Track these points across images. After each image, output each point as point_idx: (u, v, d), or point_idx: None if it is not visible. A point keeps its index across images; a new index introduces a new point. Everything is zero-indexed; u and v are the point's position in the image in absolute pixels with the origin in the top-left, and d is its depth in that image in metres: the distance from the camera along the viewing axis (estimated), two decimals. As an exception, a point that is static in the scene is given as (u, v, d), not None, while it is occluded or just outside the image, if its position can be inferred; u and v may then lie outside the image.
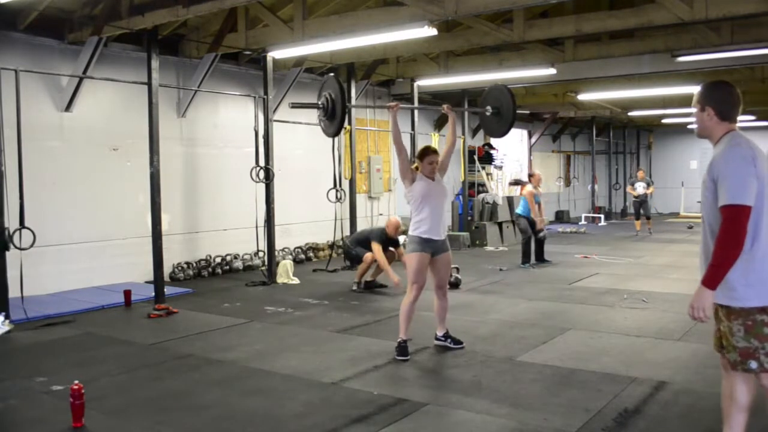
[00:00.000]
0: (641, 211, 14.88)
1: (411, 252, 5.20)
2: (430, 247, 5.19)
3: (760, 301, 2.77)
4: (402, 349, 5.13)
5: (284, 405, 4.21)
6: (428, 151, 5.40)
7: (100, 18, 7.59)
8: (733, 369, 2.90)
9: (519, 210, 10.49)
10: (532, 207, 10.26)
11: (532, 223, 10.31)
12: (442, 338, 5.43)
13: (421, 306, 5.58)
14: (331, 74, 5.02)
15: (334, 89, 4.84)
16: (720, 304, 2.88)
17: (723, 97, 2.91)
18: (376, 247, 7.96)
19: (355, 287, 8.22)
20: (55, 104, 8.09)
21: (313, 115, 11.41)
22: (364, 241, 8.39)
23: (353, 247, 8.57)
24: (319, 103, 5.01)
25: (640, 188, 14.76)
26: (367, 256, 8.09)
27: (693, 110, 2.98)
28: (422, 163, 5.33)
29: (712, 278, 2.74)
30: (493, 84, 5.81)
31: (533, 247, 10.34)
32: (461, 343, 5.39)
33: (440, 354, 5.27)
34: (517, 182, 10.93)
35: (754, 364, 2.81)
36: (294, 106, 5.10)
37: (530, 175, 10.76)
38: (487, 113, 5.60)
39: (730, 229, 2.69)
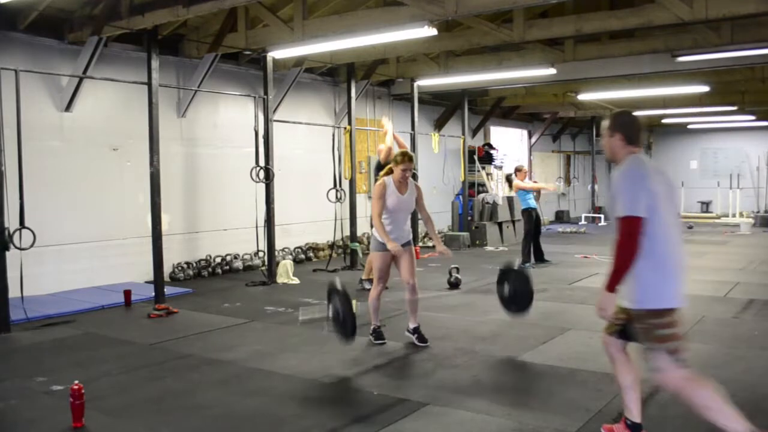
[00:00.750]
0: None
1: (374, 251, 5.54)
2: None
3: (652, 305, 3.11)
4: (377, 334, 5.58)
5: (284, 405, 4.21)
6: (405, 158, 5.38)
7: (100, 18, 7.58)
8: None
9: (522, 205, 10.45)
10: (529, 187, 10.21)
11: (537, 219, 10.32)
12: (411, 332, 5.58)
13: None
14: (336, 284, 4.97)
15: (342, 302, 4.88)
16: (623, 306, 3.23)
17: (629, 123, 3.33)
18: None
19: (366, 285, 7.90)
20: (55, 104, 8.09)
21: (313, 115, 11.49)
22: None
23: None
24: (329, 315, 5.03)
25: None
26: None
27: (603, 136, 3.40)
28: (397, 167, 5.37)
29: (611, 282, 3.11)
30: (508, 264, 5.77)
31: (533, 247, 10.35)
32: (426, 341, 5.48)
33: (440, 354, 5.27)
34: (507, 178, 10.89)
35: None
36: (304, 322, 5.18)
37: (517, 170, 10.66)
38: (504, 294, 5.66)
39: (624, 238, 3.05)
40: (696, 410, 3.16)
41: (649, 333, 3.13)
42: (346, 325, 4.80)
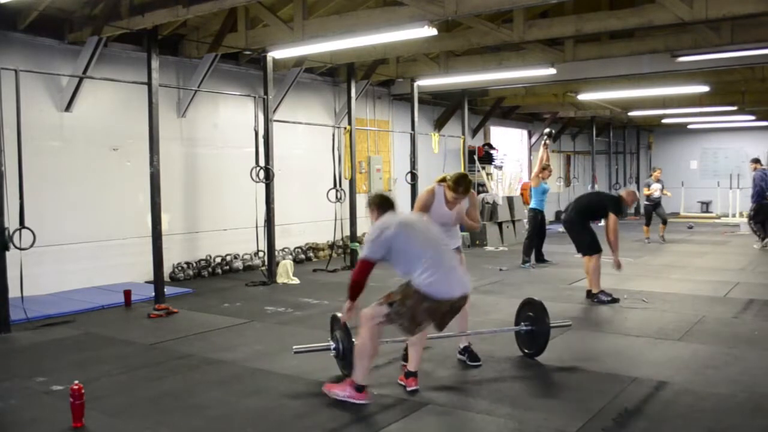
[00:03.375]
0: (653, 215, 13.47)
1: None
2: None
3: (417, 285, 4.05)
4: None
5: (284, 405, 4.21)
6: (460, 188, 4.77)
7: (100, 18, 7.58)
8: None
9: (532, 204, 10.39)
10: (538, 169, 10.15)
11: (542, 221, 10.33)
12: (461, 352, 5.11)
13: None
14: (338, 316, 4.80)
15: (341, 331, 4.69)
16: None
17: (377, 202, 4.41)
18: (612, 219, 7.22)
19: (605, 298, 7.25)
20: (55, 104, 8.09)
21: (313, 115, 11.49)
22: (592, 210, 7.49)
23: (577, 221, 7.54)
24: (331, 344, 4.80)
25: (656, 190, 13.50)
26: None
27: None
28: (450, 192, 4.81)
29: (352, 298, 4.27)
30: (528, 299, 5.36)
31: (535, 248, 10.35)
32: (479, 360, 4.99)
33: (440, 354, 5.26)
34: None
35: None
36: (298, 352, 4.92)
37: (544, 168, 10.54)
38: (522, 332, 5.29)
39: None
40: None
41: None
42: (347, 360, 4.66)
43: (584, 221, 7.57)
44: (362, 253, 4.19)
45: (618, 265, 7.40)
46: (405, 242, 4.10)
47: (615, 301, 7.24)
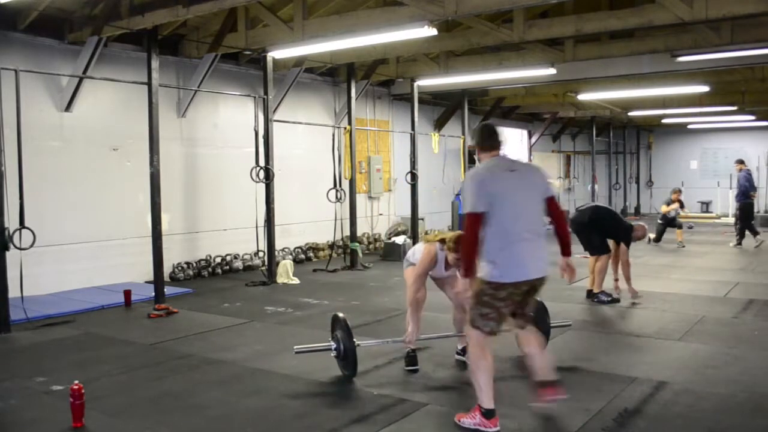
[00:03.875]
0: (666, 228, 13.18)
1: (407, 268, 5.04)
2: None
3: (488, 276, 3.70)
4: (410, 358, 4.92)
5: (284, 405, 4.21)
6: (459, 248, 4.50)
7: (100, 18, 7.58)
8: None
9: None
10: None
11: None
12: (460, 352, 5.08)
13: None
14: (339, 316, 4.75)
15: (342, 331, 4.65)
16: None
17: (479, 134, 3.93)
18: (624, 251, 7.37)
19: (606, 298, 7.28)
20: (55, 104, 8.09)
21: (313, 115, 11.48)
22: (605, 228, 7.41)
23: (588, 226, 7.43)
24: (331, 344, 4.77)
25: (673, 209, 13.25)
26: None
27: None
28: (451, 254, 4.65)
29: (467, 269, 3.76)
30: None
31: None
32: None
33: (440, 354, 5.26)
34: None
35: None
36: (299, 352, 4.87)
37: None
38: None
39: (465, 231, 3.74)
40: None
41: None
42: (347, 360, 4.66)
43: (595, 228, 7.51)
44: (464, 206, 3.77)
45: (634, 294, 7.40)
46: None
47: (615, 301, 7.25)
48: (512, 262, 3.68)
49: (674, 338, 5.70)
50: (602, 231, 7.44)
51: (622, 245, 7.36)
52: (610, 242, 7.43)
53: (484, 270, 3.71)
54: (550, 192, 3.90)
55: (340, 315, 4.75)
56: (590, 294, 7.44)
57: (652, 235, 12.91)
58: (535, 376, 3.97)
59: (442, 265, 4.84)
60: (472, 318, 3.81)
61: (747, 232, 12.88)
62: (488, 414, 3.71)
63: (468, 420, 3.76)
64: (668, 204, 13.42)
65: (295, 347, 4.85)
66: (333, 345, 4.70)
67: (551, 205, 3.89)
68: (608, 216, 7.62)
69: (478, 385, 3.76)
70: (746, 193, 12.90)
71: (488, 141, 3.89)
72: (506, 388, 4.46)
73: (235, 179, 9.69)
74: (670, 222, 13.31)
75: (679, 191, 13.80)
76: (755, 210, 19.43)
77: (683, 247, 12.61)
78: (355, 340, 4.60)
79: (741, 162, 13.66)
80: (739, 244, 12.75)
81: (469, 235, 3.70)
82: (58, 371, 4.94)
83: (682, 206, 13.59)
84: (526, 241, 3.71)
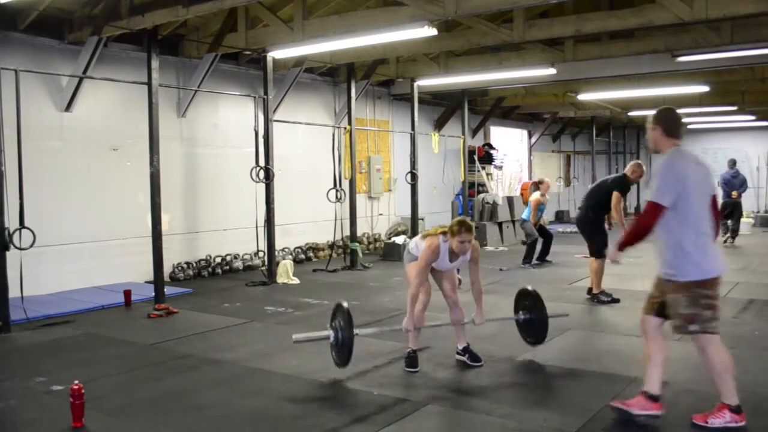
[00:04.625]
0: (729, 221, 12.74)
1: (407, 263, 5.07)
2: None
3: (696, 276, 3.60)
4: (410, 359, 4.93)
5: (284, 405, 4.21)
6: (462, 228, 4.62)
7: (100, 18, 7.58)
8: (676, 332, 3.84)
9: (525, 215, 10.44)
10: (533, 213, 10.22)
11: (541, 227, 10.36)
12: (460, 352, 5.08)
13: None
14: (342, 304, 4.76)
15: (343, 320, 4.66)
16: (665, 279, 3.76)
17: (669, 117, 3.80)
18: (615, 197, 7.23)
19: (605, 298, 7.31)
20: (55, 104, 8.09)
21: (313, 115, 11.48)
22: (600, 201, 7.37)
23: (590, 219, 7.46)
24: (330, 333, 4.78)
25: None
26: None
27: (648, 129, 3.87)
28: (453, 239, 4.66)
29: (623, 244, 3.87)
30: (523, 288, 5.45)
31: (539, 246, 10.34)
32: (480, 360, 4.98)
33: (440, 354, 5.26)
34: (536, 184, 10.65)
35: (694, 327, 3.67)
36: (298, 341, 4.88)
37: (540, 182, 10.60)
38: (520, 321, 5.38)
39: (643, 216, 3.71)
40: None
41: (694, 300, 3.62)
42: (343, 350, 4.67)
43: (597, 219, 7.49)
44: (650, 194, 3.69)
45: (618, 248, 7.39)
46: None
47: (615, 301, 7.25)
48: (713, 256, 3.67)
49: (674, 338, 5.67)
50: (605, 206, 7.41)
51: (613, 193, 7.28)
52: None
53: (687, 271, 3.61)
54: (714, 190, 3.91)
55: (344, 304, 4.74)
56: (590, 292, 7.45)
57: None
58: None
59: (446, 257, 4.84)
60: (698, 324, 3.64)
61: (735, 228, 13.08)
62: (654, 398, 3.82)
63: (716, 420, 3.69)
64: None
65: (294, 336, 4.87)
66: (331, 334, 4.71)
67: (713, 203, 3.86)
68: (596, 188, 7.65)
69: (723, 382, 3.69)
70: (727, 193, 13.26)
71: (677, 129, 3.77)
72: (507, 389, 4.47)
73: (235, 179, 9.69)
74: (735, 206, 12.72)
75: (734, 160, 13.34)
76: (756, 210, 19.53)
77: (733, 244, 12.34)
78: (354, 329, 4.60)
79: (730, 163, 14.29)
80: (732, 238, 12.89)
81: (648, 221, 3.65)
82: (58, 371, 4.94)
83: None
84: (709, 236, 3.71)
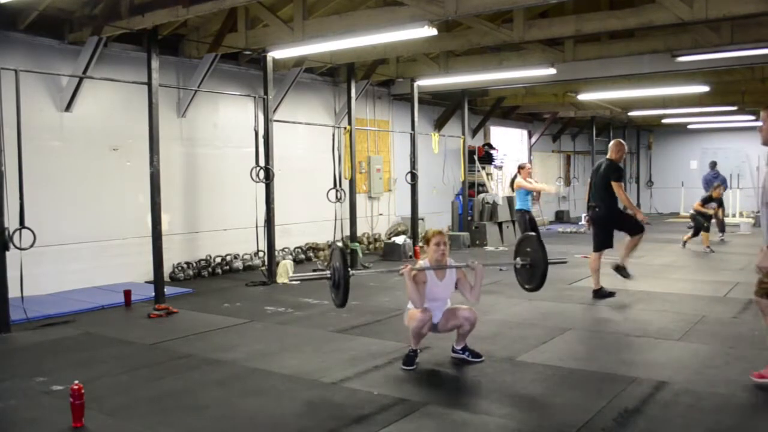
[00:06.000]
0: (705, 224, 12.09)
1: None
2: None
3: None
4: (408, 358, 4.91)
5: (284, 405, 4.21)
6: (434, 234, 4.85)
7: (100, 18, 7.59)
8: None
9: (517, 205, 10.33)
10: (529, 187, 10.02)
11: (531, 220, 10.28)
12: (459, 351, 5.08)
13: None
14: (338, 246, 4.93)
15: (340, 262, 4.77)
16: None
17: None
18: (615, 186, 7.32)
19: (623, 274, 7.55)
20: (55, 104, 8.09)
21: (313, 115, 11.48)
22: (605, 189, 7.40)
23: (604, 214, 7.47)
24: (328, 273, 4.91)
25: (711, 209, 12.33)
26: None
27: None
28: (429, 246, 4.82)
29: None
30: (525, 235, 5.62)
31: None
32: (480, 356, 5.02)
33: (440, 354, 5.26)
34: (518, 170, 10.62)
35: None
36: (293, 280, 5.01)
37: (520, 168, 10.49)
38: (518, 266, 5.38)
39: None
40: None
41: None
42: (340, 289, 4.80)
43: (610, 213, 7.48)
44: None
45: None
46: None
47: (611, 295, 7.43)
48: None
49: (674, 338, 5.70)
50: (609, 193, 7.44)
51: (615, 184, 7.35)
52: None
53: None
54: None
55: (340, 245, 4.89)
56: (598, 294, 7.48)
57: (686, 236, 12.52)
58: None
59: (433, 277, 4.85)
60: None
61: (720, 226, 13.34)
62: None
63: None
64: (705, 203, 12.39)
65: (290, 275, 4.96)
66: (329, 273, 4.89)
67: None
68: (593, 179, 7.66)
69: None
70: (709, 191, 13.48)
71: None
72: (507, 389, 4.47)
73: (235, 179, 9.69)
74: (708, 218, 12.19)
75: (722, 188, 12.80)
76: (756, 210, 19.51)
77: (712, 251, 11.77)
78: (350, 269, 4.73)
79: (711, 164, 14.92)
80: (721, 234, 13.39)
81: None
82: (58, 371, 4.94)
83: (720, 205, 12.77)
84: None
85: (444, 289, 4.92)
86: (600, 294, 7.43)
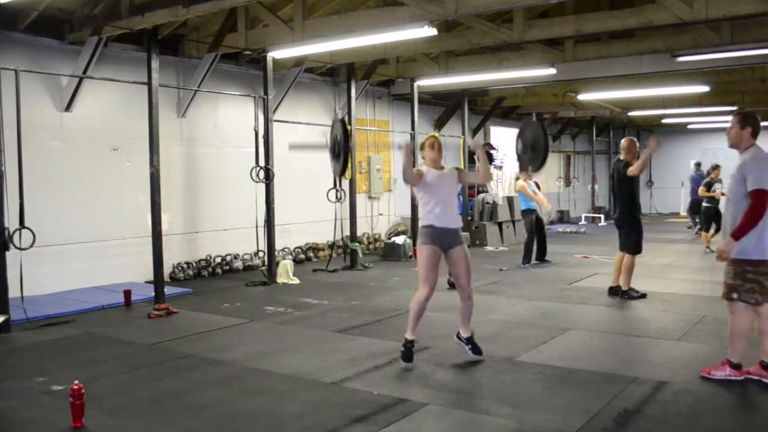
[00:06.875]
0: (712, 221, 11.81)
1: (420, 245, 5.01)
2: (439, 238, 4.92)
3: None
4: (406, 352, 4.90)
5: (284, 405, 4.21)
6: (428, 138, 5.37)
7: (100, 18, 7.59)
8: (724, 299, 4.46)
9: (523, 206, 10.44)
10: (529, 195, 10.20)
11: (538, 219, 10.32)
12: (464, 341, 5.10)
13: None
14: (339, 117, 5.09)
15: (339, 131, 4.90)
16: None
17: (757, 122, 4.40)
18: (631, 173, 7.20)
19: (636, 294, 7.41)
20: (55, 104, 8.09)
21: (313, 115, 11.49)
22: (621, 190, 7.45)
23: (627, 215, 7.45)
24: (326, 142, 5.06)
25: (719, 190, 11.77)
26: None
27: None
28: (424, 151, 5.26)
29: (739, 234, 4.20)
30: (526, 119, 5.88)
31: (535, 247, 10.33)
32: (481, 353, 5.04)
33: (440, 354, 5.26)
34: (517, 177, 10.69)
35: (734, 296, 4.37)
36: (293, 147, 5.13)
37: (521, 170, 10.56)
38: (519, 151, 5.59)
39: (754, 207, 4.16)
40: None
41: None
42: (339, 159, 4.90)
43: (633, 213, 7.44)
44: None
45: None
46: None
47: (643, 296, 7.37)
48: None
49: (674, 338, 5.70)
50: (628, 193, 7.42)
51: (627, 177, 7.31)
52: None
53: (746, 250, 4.20)
54: None
55: (342, 117, 5.05)
56: (614, 292, 7.46)
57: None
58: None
59: (434, 177, 5.17)
60: (739, 293, 4.34)
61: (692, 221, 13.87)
62: (737, 366, 4.41)
63: (716, 372, 4.46)
64: (709, 188, 12.03)
65: (289, 142, 5.06)
66: (329, 140, 5.01)
67: None
68: (614, 185, 7.61)
69: (733, 345, 4.45)
70: (695, 190, 13.95)
71: (759, 130, 4.44)
72: (507, 389, 4.47)
73: (235, 179, 9.69)
74: (717, 210, 11.58)
75: (719, 167, 12.39)
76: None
77: (712, 252, 11.26)
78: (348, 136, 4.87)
79: (698, 165, 15.67)
80: (693, 227, 14.44)
81: (762, 208, 4.13)
82: (58, 371, 4.94)
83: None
84: None
85: (446, 188, 5.15)
86: (629, 295, 7.36)
